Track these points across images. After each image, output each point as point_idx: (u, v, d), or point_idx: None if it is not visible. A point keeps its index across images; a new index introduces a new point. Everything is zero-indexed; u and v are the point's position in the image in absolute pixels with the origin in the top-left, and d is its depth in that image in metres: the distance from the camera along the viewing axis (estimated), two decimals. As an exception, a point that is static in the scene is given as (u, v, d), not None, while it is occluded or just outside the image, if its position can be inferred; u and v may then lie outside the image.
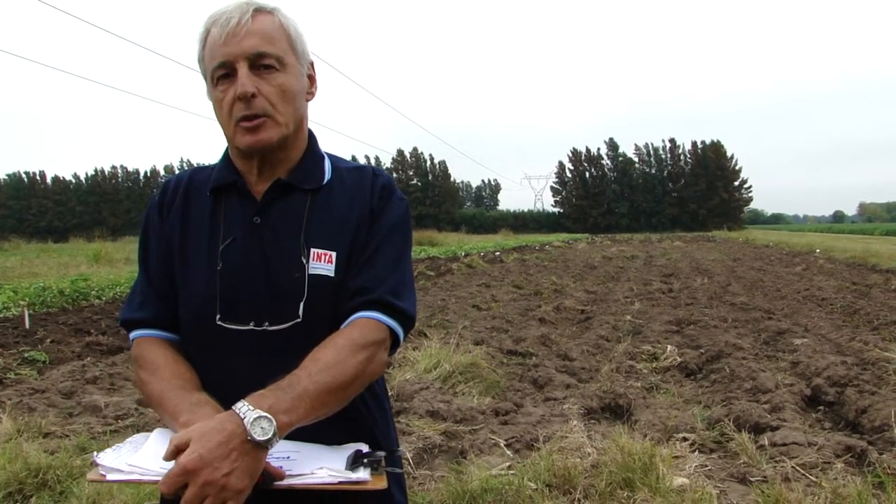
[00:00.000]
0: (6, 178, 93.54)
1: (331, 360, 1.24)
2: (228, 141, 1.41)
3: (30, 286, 11.76)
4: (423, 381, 5.64)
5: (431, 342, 6.78)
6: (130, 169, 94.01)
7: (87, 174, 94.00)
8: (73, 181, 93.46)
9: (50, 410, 5.11)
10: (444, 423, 4.71)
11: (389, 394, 5.32)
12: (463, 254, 26.86)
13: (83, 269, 17.97)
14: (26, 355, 6.97)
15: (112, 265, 19.84)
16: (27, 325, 8.67)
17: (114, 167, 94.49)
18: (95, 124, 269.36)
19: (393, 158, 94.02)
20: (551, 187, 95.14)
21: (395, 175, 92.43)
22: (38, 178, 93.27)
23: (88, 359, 7.16)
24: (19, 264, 20.68)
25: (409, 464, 4.00)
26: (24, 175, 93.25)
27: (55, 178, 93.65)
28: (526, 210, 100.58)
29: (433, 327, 8.67)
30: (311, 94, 1.45)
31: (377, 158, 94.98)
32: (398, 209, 1.45)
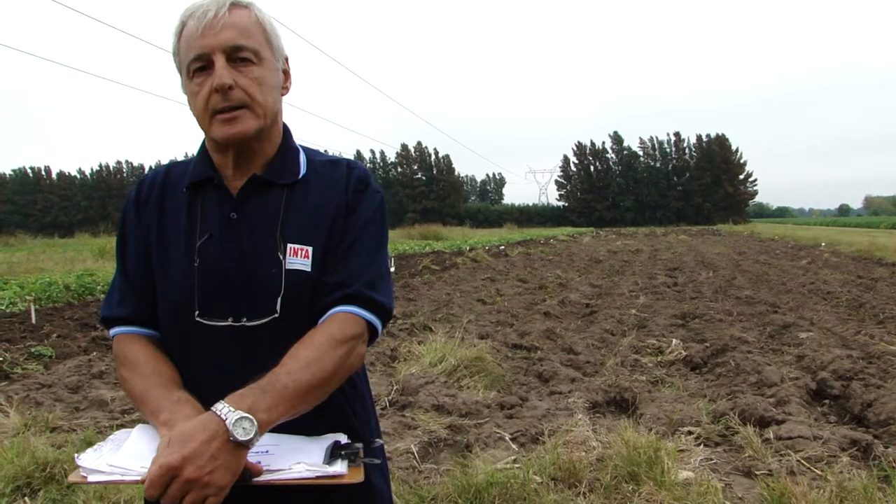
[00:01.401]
0: (11, 173, 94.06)
1: (310, 358, 1.25)
2: (204, 133, 1.41)
3: (36, 281, 11.82)
4: (428, 375, 5.65)
5: (437, 336, 6.78)
6: (135, 164, 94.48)
7: (92, 169, 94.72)
8: (79, 176, 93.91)
9: (57, 405, 5.14)
10: (449, 417, 4.72)
11: (395, 388, 5.39)
12: (468, 248, 26.87)
13: (89, 264, 18.04)
14: (33, 350, 7.01)
15: (117, 260, 19.84)
16: (33, 320, 8.72)
17: (119, 162, 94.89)
18: (100, 119, 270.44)
19: (397, 153, 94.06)
20: (556, 181, 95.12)
21: (399, 169, 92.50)
22: (43, 173, 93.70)
23: (94, 353, 7.19)
24: (25, 259, 20.76)
25: (415, 458, 4.01)
26: (29, 170, 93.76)
27: (60, 174, 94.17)
28: (530, 204, 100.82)
29: (438, 321, 8.68)
30: (286, 88, 1.47)
31: (382, 153, 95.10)
32: (373, 202, 1.45)
